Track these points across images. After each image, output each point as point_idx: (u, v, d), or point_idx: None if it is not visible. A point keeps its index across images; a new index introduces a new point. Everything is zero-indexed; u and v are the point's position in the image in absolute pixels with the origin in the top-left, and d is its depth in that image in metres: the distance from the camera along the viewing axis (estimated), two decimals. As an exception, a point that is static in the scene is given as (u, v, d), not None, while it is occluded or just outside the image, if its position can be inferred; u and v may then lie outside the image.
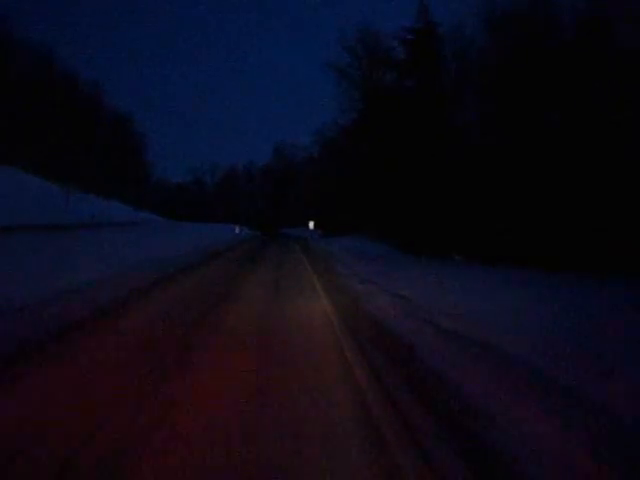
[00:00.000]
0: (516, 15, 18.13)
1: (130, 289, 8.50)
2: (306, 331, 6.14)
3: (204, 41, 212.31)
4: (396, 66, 20.67)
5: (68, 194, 40.91)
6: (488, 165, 18.14)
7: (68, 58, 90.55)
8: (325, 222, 47.80)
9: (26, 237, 16.32)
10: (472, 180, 18.38)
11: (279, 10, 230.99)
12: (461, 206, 18.72)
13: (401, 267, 14.28)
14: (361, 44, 35.65)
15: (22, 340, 4.84)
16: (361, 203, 31.52)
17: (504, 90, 17.81)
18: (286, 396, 3.70)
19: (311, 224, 53.14)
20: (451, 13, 45.14)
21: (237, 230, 41.24)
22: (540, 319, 6.57)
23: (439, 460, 2.78)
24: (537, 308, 7.46)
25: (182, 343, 5.23)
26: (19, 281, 7.72)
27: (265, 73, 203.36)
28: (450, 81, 20.45)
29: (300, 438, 2.96)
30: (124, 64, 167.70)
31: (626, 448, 2.99)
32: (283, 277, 12.03)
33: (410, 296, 8.43)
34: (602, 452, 2.89)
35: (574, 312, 6.99)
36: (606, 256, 12.86)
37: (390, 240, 24.27)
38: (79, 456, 2.61)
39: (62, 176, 44.56)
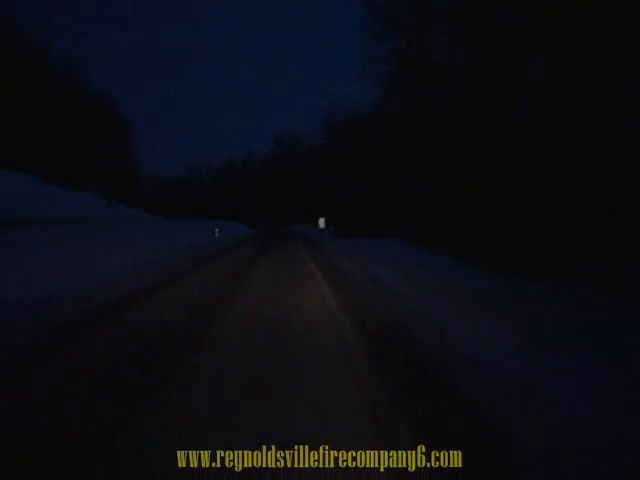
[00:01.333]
0: None
1: None
2: None
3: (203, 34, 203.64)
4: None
5: None
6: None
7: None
8: (337, 220, 39.54)
9: None
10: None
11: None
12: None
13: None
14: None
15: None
16: (397, 196, 23.20)
17: None
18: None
19: (321, 221, 44.74)
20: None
21: (217, 233, 27.89)
22: None
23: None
24: None
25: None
26: None
27: (261, 62, 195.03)
28: None
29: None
30: (117, 58, 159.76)
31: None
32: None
33: None
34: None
35: None
36: None
37: (451, 250, 15.77)
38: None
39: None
